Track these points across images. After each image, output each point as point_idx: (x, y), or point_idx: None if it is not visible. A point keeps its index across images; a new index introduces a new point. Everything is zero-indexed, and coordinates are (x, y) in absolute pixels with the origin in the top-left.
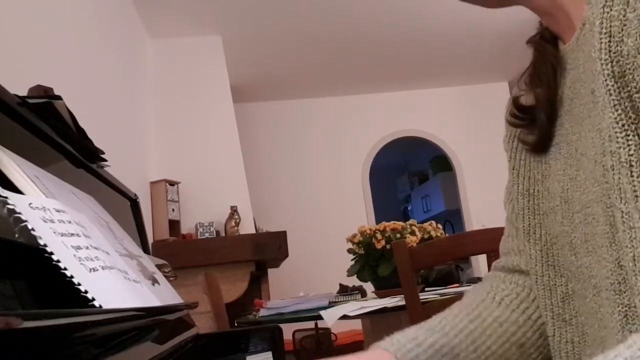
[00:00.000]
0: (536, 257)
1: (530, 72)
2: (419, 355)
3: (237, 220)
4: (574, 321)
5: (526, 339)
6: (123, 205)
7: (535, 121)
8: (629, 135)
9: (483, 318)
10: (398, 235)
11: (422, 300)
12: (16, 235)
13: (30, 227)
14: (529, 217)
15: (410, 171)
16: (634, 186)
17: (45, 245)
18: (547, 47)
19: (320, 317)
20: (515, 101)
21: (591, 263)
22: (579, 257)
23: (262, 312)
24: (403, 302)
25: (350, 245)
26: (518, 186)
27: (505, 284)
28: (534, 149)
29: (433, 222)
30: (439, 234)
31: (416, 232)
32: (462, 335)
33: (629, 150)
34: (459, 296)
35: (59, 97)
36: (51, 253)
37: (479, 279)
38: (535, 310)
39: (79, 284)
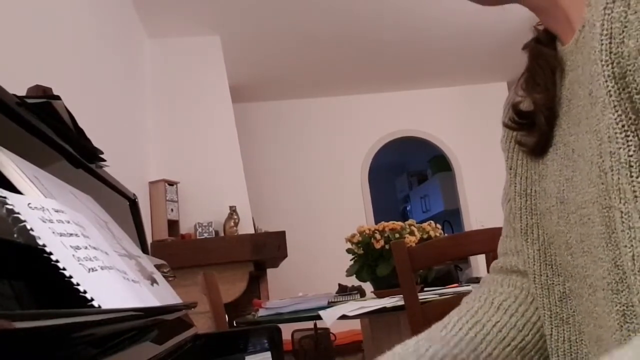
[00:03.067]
0: (534, 256)
1: (526, 78)
2: None
3: (236, 220)
4: (571, 320)
5: (526, 342)
6: (122, 205)
7: (534, 125)
8: (629, 136)
9: (483, 324)
10: (397, 235)
11: (421, 300)
12: (15, 235)
13: (29, 227)
14: (526, 217)
15: (409, 171)
16: (634, 187)
17: (44, 245)
18: (544, 50)
19: (319, 317)
20: (514, 107)
21: (587, 263)
22: (575, 257)
23: (261, 312)
24: (402, 302)
25: (349, 245)
26: (515, 186)
27: (503, 288)
28: (531, 152)
29: (432, 222)
30: (437, 234)
31: (415, 232)
32: (462, 344)
33: (629, 151)
34: (457, 296)
35: (57, 97)
36: (50, 253)
37: (478, 279)
38: (534, 312)
39: (78, 284)
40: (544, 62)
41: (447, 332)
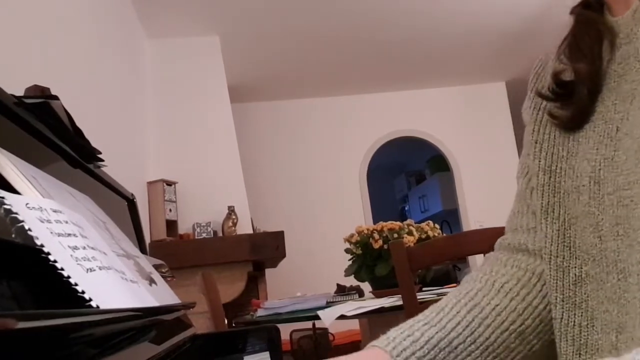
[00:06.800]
0: (552, 236)
1: (570, 43)
2: (415, 352)
3: (235, 220)
4: (584, 305)
5: (526, 326)
6: (120, 206)
7: (572, 96)
8: None
9: (481, 307)
10: (395, 235)
11: (419, 300)
12: (13, 236)
13: (27, 227)
14: (549, 195)
15: (407, 171)
16: None
17: (42, 246)
18: (593, 16)
19: (317, 317)
20: (555, 76)
21: (619, 247)
22: (604, 240)
23: (260, 312)
24: (400, 302)
25: (347, 245)
26: (540, 161)
27: (506, 268)
28: (565, 125)
29: (430, 222)
30: (436, 234)
31: (413, 232)
32: (459, 328)
33: None
34: None
35: (55, 97)
36: (48, 253)
37: None
38: (536, 296)
39: (76, 285)
40: (592, 30)
41: (444, 315)
